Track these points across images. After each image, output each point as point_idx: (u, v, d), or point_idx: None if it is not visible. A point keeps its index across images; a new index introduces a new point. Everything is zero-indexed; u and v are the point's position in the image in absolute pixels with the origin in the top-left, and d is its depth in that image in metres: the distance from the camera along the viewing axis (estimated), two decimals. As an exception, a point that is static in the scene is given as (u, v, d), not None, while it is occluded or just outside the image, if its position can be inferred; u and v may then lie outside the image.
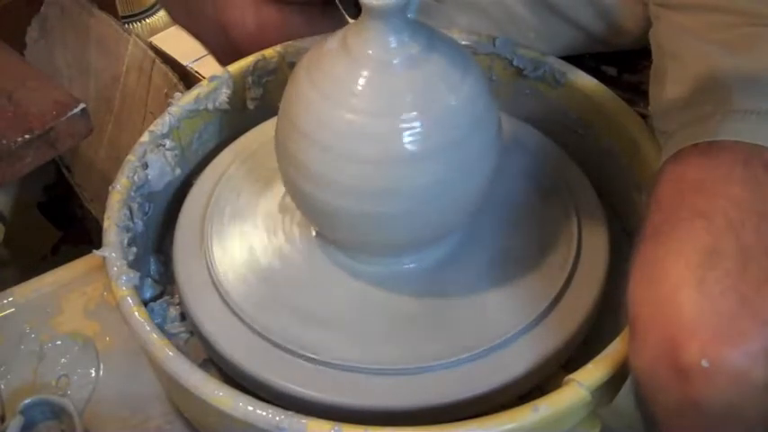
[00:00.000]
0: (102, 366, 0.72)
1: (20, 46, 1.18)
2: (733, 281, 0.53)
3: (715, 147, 0.61)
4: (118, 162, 0.75)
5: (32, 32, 1.20)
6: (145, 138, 0.76)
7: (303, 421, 0.57)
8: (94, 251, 0.68)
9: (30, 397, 0.66)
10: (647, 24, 0.81)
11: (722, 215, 0.56)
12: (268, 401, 0.59)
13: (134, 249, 0.70)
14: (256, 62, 0.83)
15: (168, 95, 1.00)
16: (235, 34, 0.89)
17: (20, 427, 0.64)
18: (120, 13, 1.38)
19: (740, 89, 0.63)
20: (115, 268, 0.67)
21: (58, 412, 0.66)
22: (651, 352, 0.55)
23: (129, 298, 0.65)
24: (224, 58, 0.91)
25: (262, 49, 0.84)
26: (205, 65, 1.30)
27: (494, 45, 0.83)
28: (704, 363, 0.52)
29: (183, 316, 0.72)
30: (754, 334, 0.52)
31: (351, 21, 0.69)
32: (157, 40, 1.45)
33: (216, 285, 0.69)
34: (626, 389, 0.60)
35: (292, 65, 0.75)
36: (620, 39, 0.90)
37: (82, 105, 0.86)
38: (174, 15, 1.03)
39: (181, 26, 1.00)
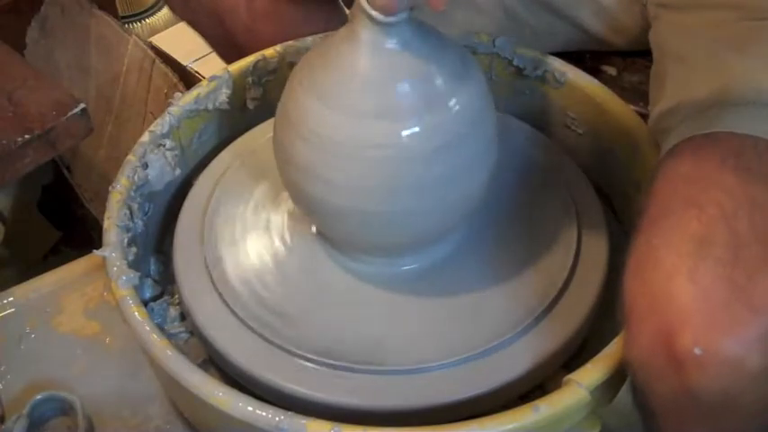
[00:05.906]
0: (102, 366, 0.72)
1: (20, 46, 1.18)
2: (725, 269, 0.53)
3: (709, 139, 0.61)
4: (118, 162, 0.75)
5: (32, 32, 1.20)
6: (145, 138, 0.76)
7: (303, 421, 0.57)
8: (94, 251, 0.69)
9: (40, 393, 0.66)
10: (645, 24, 0.82)
11: (715, 204, 0.56)
12: (268, 401, 0.59)
13: (134, 249, 0.71)
14: (256, 62, 0.83)
15: (168, 95, 1.00)
16: (229, 23, 0.90)
17: (26, 427, 0.65)
18: (120, 13, 1.38)
19: (736, 82, 0.63)
20: (115, 268, 0.67)
21: (66, 409, 0.67)
22: (646, 342, 0.55)
23: (129, 298, 0.65)
24: (221, 48, 0.91)
25: (256, 38, 0.84)
26: (205, 65, 1.30)
27: (494, 45, 0.83)
28: (698, 351, 0.52)
29: (183, 316, 0.72)
30: (747, 321, 0.52)
31: (347, 12, 0.69)
32: (157, 40, 1.45)
33: (216, 285, 0.69)
34: (626, 389, 0.60)
35: (292, 65, 0.75)
36: (617, 38, 0.90)
37: (82, 105, 0.86)
38: (173, 6, 1.04)
39: (179, 17, 1.01)
